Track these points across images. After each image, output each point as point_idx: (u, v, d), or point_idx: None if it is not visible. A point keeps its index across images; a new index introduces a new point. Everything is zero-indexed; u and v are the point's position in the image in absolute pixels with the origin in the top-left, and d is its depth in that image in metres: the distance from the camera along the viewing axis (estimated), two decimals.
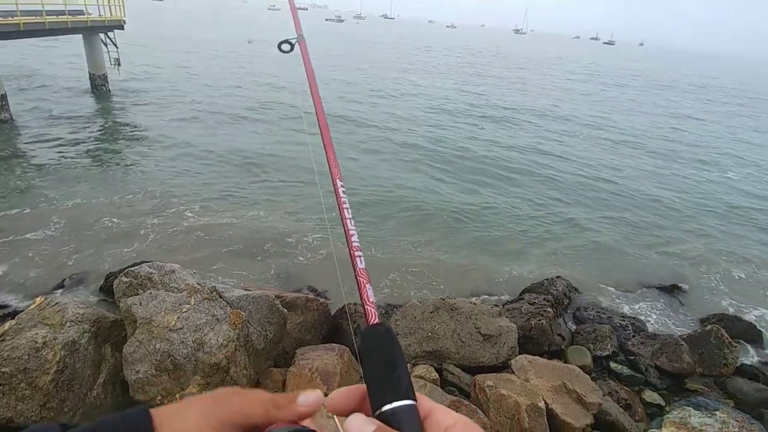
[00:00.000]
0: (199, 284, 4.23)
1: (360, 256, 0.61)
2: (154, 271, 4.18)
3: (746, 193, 13.49)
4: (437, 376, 4.43)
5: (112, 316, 4.22)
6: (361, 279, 0.59)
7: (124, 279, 4.17)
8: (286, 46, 0.95)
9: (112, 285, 4.48)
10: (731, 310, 7.49)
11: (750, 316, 7.36)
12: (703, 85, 48.03)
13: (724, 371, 5.91)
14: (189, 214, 8.59)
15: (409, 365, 4.54)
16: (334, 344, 4.48)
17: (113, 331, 4.11)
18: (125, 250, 7.38)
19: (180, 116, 15.12)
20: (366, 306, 0.56)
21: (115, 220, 8.19)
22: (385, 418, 0.48)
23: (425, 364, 4.60)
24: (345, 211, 0.67)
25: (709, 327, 6.44)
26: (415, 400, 0.48)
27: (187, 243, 7.74)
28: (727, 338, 6.14)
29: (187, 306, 3.86)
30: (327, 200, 9.61)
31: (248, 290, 4.48)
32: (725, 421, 2.95)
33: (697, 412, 3.03)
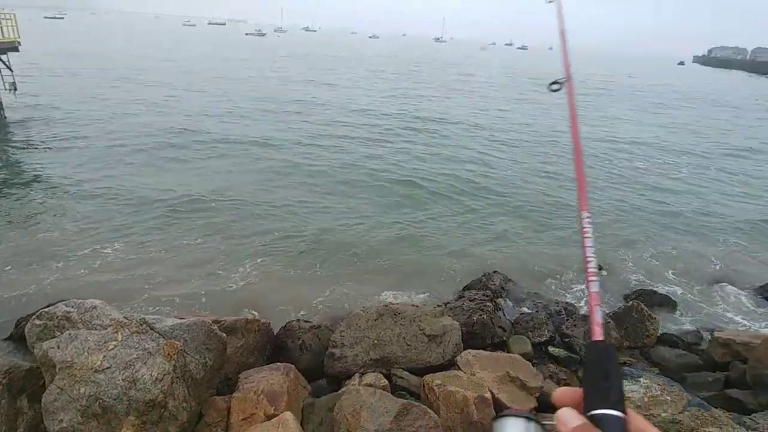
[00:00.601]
0: (126, 318, 3.94)
1: (594, 281, 0.70)
2: (72, 310, 3.84)
3: (653, 183, 14.86)
4: (387, 382, 4.43)
5: (26, 364, 3.82)
6: (592, 301, 0.68)
7: (37, 322, 3.79)
8: (555, 86, 1.03)
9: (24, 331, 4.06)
10: (648, 286, 8.18)
11: (663, 290, 8.07)
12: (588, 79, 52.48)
13: (647, 342, 6.44)
14: (108, 251, 7.95)
15: (357, 375, 4.51)
16: (279, 363, 4.35)
17: (28, 381, 3.72)
18: (37, 290, 6.72)
19: (83, 148, 13.96)
20: (593, 325, 0.65)
21: (26, 259, 7.45)
22: (593, 421, 0.55)
23: (374, 371, 4.58)
24: (587, 240, 0.75)
25: (631, 303, 6.99)
26: (625, 414, 0.55)
27: (108, 278, 7.19)
28: (647, 311, 6.69)
29: (114, 342, 3.58)
30: (265, 225, 9.37)
31: (182, 318, 4.23)
32: (648, 386, 3.21)
33: (624, 381, 3.28)
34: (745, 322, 7.41)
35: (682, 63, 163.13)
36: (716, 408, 3.13)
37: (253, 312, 6.55)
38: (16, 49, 15.83)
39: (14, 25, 15.70)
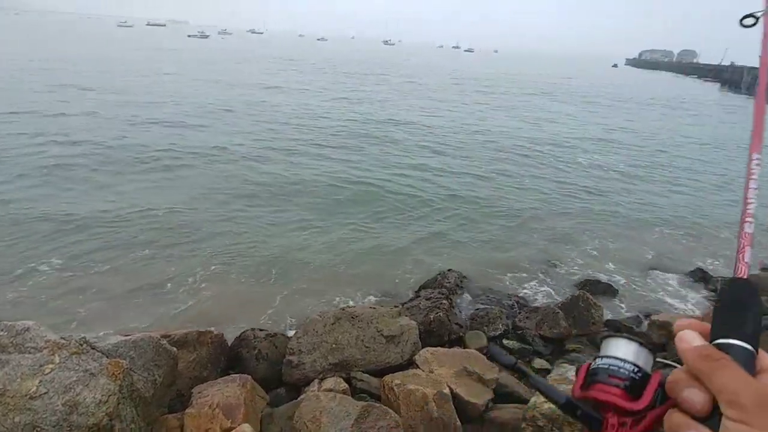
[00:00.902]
0: (64, 338, 3.69)
1: (750, 222, 0.69)
2: (1, 333, 3.55)
3: (593, 176, 15.69)
4: (347, 386, 4.41)
5: None
6: (745, 241, 0.67)
7: None
8: (749, 20, 0.82)
9: None
10: (591, 276, 8.62)
11: (605, 279, 8.53)
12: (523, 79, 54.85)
13: (593, 329, 6.78)
14: (44, 269, 7.40)
15: (316, 381, 4.46)
16: (234, 375, 4.22)
17: None
18: None
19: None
20: (739, 263, 0.65)
21: None
22: (718, 347, 0.52)
23: (333, 376, 4.55)
24: (752, 182, 0.71)
25: (577, 293, 7.36)
26: (757, 351, 0.52)
27: (42, 298, 6.70)
28: (592, 300, 7.06)
29: (51, 366, 3.34)
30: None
31: (127, 335, 4.02)
32: None
33: (572, 366, 3.45)
34: (679, 305, 7.97)
35: (615, 65, 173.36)
36: None
37: (207, 325, 6.32)
38: None
39: None
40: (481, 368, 4.62)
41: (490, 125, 23.36)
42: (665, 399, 0.59)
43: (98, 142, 14.15)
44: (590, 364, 0.70)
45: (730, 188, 15.56)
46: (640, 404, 0.61)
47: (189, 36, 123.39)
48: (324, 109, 24.07)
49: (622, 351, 0.66)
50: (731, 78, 79.64)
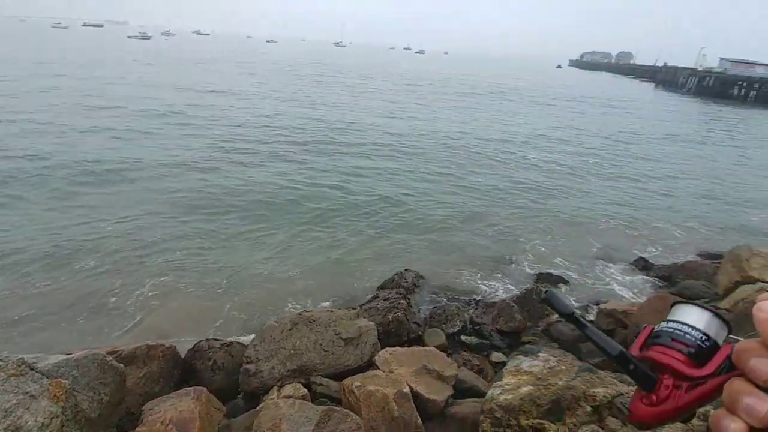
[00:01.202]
0: (1, 360, 3.43)
1: None
2: None
3: (541, 172, 16.31)
4: (306, 391, 4.35)
5: None
6: None
7: None
8: None
9: None
10: (544, 269, 8.96)
11: (557, 271, 8.90)
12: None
13: (546, 320, 7.05)
14: None
15: (275, 388, 4.38)
16: (188, 388, 4.07)
17: None
18: None
19: None
20: None
21: None
22: None
23: (292, 382, 4.48)
24: None
25: (531, 286, 7.63)
26: None
27: None
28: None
29: None
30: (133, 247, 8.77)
31: (69, 354, 3.79)
32: (546, 359, 3.52)
33: (526, 358, 3.57)
34: (625, 293, 8.42)
35: (559, 66, 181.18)
36: (603, 371, 3.53)
37: (158, 338, 6.05)
38: None
39: None
40: (441, 365, 4.69)
41: (441, 126, 23.79)
42: (731, 371, 0.57)
43: (32, 155, 13.20)
44: (653, 327, 0.69)
45: (665, 180, 16.64)
46: (702, 371, 0.60)
47: (129, 37, 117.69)
48: (275, 113, 23.67)
49: (693, 318, 0.65)
50: (665, 78, 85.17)
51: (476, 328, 6.65)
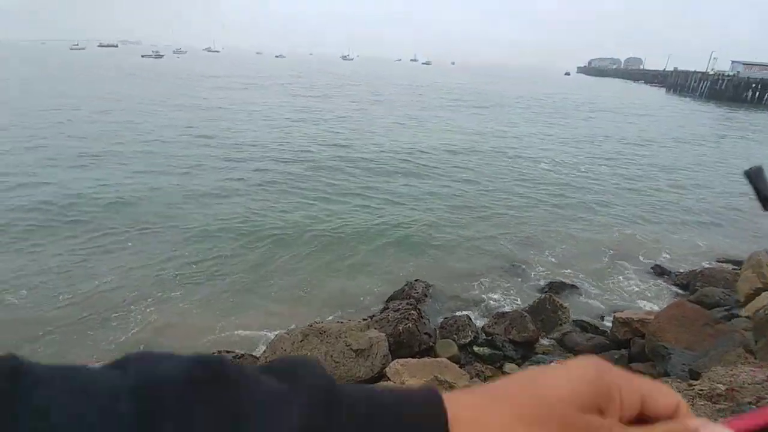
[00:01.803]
0: None
1: None
2: None
3: (554, 181, 16.17)
4: None
5: None
6: None
7: None
8: None
9: None
10: (557, 278, 8.80)
11: (569, 280, 8.72)
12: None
13: (560, 330, 6.91)
14: None
15: None
16: None
17: None
18: None
19: None
20: None
21: None
22: None
23: None
24: None
25: (543, 296, 7.50)
26: None
27: None
28: (558, 302, 7.20)
29: None
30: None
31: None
32: None
33: None
34: (640, 301, 8.23)
35: (568, 73, 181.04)
36: None
37: (172, 346, 6.03)
38: None
39: None
40: (453, 377, 4.60)
41: (456, 139, 23.73)
42: None
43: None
44: None
45: (686, 187, 16.33)
46: None
47: (143, 56, 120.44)
48: (291, 129, 23.84)
49: None
50: (676, 82, 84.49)
51: (488, 338, 6.53)
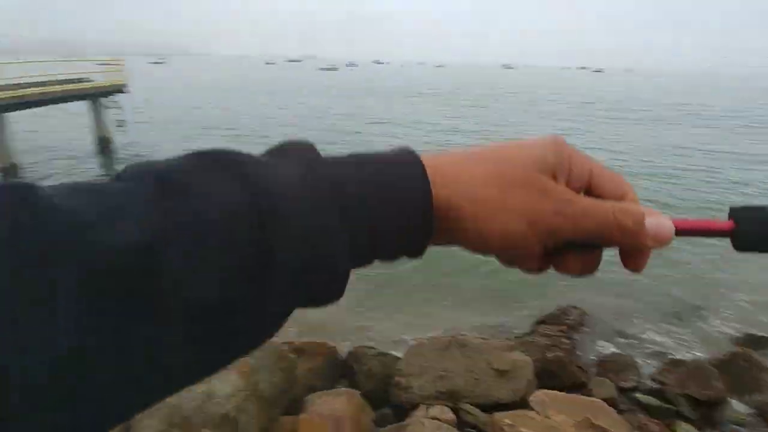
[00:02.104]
0: None
1: None
2: None
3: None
4: (453, 416, 4.24)
5: None
6: None
7: None
8: None
9: None
10: (748, 329, 7.15)
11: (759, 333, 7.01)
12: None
13: (762, 397, 5.61)
14: None
15: (423, 406, 4.36)
16: (343, 389, 4.34)
17: None
18: None
19: None
20: None
21: None
22: None
23: (440, 404, 4.41)
24: None
25: (737, 350, 6.20)
26: None
27: None
28: (757, 360, 5.88)
29: None
30: None
31: None
32: None
33: None
34: None
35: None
36: None
37: (313, 335, 6.51)
38: (121, 91, 18.11)
39: (121, 70, 18.22)
40: (609, 423, 4.09)
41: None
42: None
43: None
44: None
45: None
46: None
47: (320, 69, 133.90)
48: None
49: None
50: None
51: (657, 387, 5.65)
